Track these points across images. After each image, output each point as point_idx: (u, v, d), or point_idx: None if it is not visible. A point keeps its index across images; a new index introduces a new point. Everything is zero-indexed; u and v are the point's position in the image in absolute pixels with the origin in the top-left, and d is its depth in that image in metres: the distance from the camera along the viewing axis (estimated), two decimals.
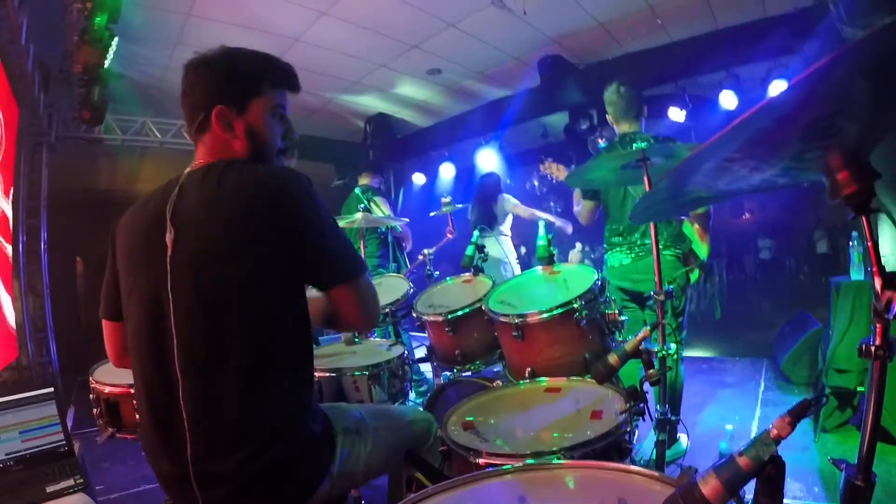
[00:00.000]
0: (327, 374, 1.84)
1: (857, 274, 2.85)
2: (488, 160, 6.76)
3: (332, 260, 1.14)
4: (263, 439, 1.03)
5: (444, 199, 3.43)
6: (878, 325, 0.70)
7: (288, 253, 1.07)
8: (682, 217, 2.66)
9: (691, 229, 2.62)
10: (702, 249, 2.59)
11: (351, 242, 1.20)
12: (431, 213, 3.81)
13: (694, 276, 2.57)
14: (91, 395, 1.85)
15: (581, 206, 2.80)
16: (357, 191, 4.38)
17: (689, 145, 1.88)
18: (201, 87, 1.20)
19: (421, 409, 2.06)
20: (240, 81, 1.21)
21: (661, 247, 2.50)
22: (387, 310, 2.35)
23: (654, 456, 1.72)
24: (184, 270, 1.04)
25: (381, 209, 4.17)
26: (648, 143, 2.49)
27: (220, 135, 1.18)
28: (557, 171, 3.66)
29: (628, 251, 2.60)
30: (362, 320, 1.24)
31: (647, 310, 2.59)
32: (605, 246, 2.75)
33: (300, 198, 1.10)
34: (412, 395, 2.61)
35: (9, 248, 4.13)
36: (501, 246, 4.39)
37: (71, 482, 1.65)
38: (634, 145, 2.48)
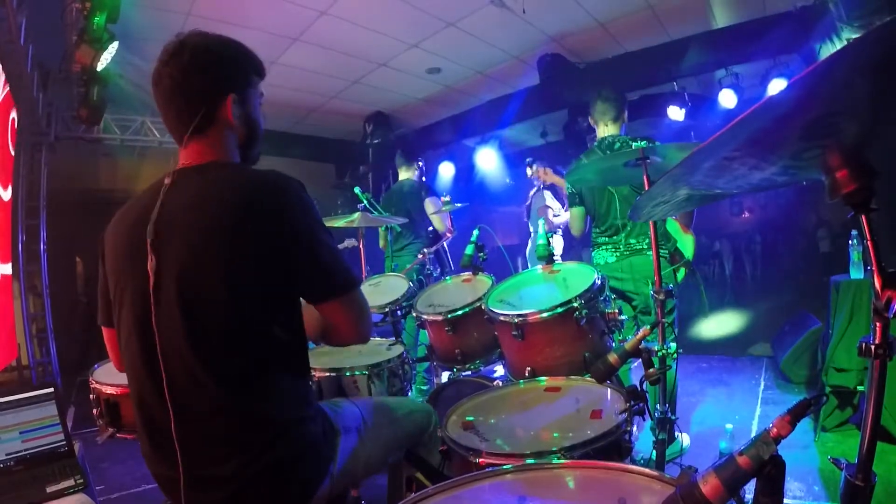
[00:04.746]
0: (327, 374, 1.84)
1: (856, 273, 2.84)
2: (488, 159, 6.76)
3: (325, 273, 1.09)
4: (261, 443, 1.02)
5: (443, 199, 3.42)
6: (877, 324, 0.70)
7: (279, 264, 1.03)
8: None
9: (675, 227, 2.65)
10: (687, 248, 2.62)
11: (342, 254, 1.13)
12: (431, 213, 3.80)
13: (680, 274, 2.59)
14: (91, 395, 1.85)
15: (570, 217, 2.85)
16: (356, 190, 4.37)
17: (675, 145, 1.88)
18: (205, 75, 1.09)
19: (419, 400, 2.06)
20: (243, 67, 1.16)
21: (646, 246, 2.57)
22: (386, 309, 2.35)
23: (653, 455, 1.72)
24: (167, 284, 1.00)
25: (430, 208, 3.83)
26: (626, 144, 2.55)
27: (231, 126, 1.12)
28: (544, 175, 3.66)
29: (613, 250, 2.65)
30: (356, 335, 1.19)
31: (624, 305, 2.62)
32: (591, 246, 2.82)
33: (294, 207, 1.05)
34: (413, 394, 2.60)
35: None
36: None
37: (71, 482, 1.64)
38: (603, 153, 2.53)
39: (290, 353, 1.09)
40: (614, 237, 2.65)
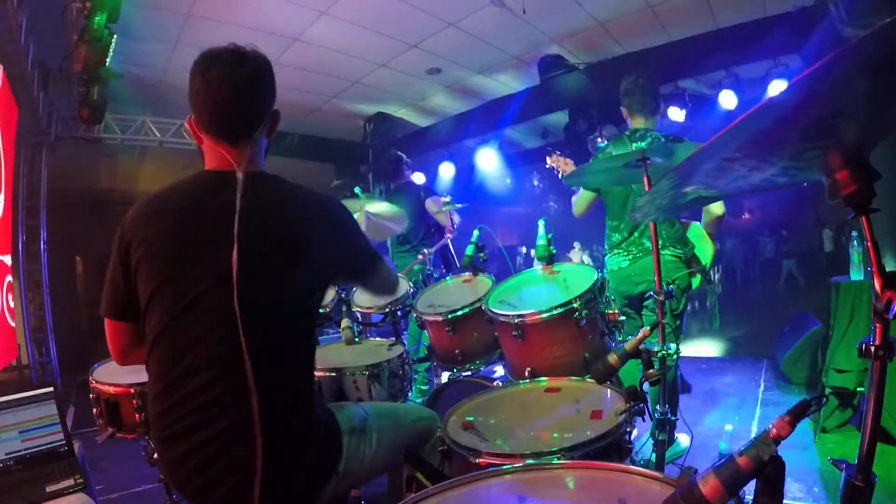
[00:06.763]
0: (327, 374, 1.84)
1: (857, 274, 2.85)
2: (488, 160, 6.76)
3: (365, 254, 1.32)
4: (269, 441, 1.02)
5: (443, 199, 3.41)
6: (878, 325, 0.70)
7: (331, 263, 1.18)
8: (685, 220, 2.63)
9: (699, 232, 2.58)
10: (705, 255, 2.54)
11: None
12: (434, 212, 3.80)
13: (696, 281, 2.50)
14: (91, 395, 1.85)
15: (578, 196, 2.70)
16: (357, 190, 4.36)
17: (698, 145, 1.86)
18: (269, 87, 1.18)
19: (424, 406, 2.06)
20: None
21: (659, 246, 2.49)
22: (387, 310, 2.35)
23: (653, 456, 1.72)
24: (248, 286, 1.04)
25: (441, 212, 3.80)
26: (658, 140, 2.46)
27: (270, 138, 1.22)
28: (565, 165, 3.59)
29: (626, 254, 2.53)
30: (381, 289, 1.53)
31: (645, 312, 2.55)
32: (605, 247, 2.69)
33: (348, 222, 1.26)
34: (413, 394, 2.60)
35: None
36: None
37: (71, 482, 1.64)
38: (634, 145, 2.48)
39: (310, 356, 1.17)
40: (630, 236, 2.50)
